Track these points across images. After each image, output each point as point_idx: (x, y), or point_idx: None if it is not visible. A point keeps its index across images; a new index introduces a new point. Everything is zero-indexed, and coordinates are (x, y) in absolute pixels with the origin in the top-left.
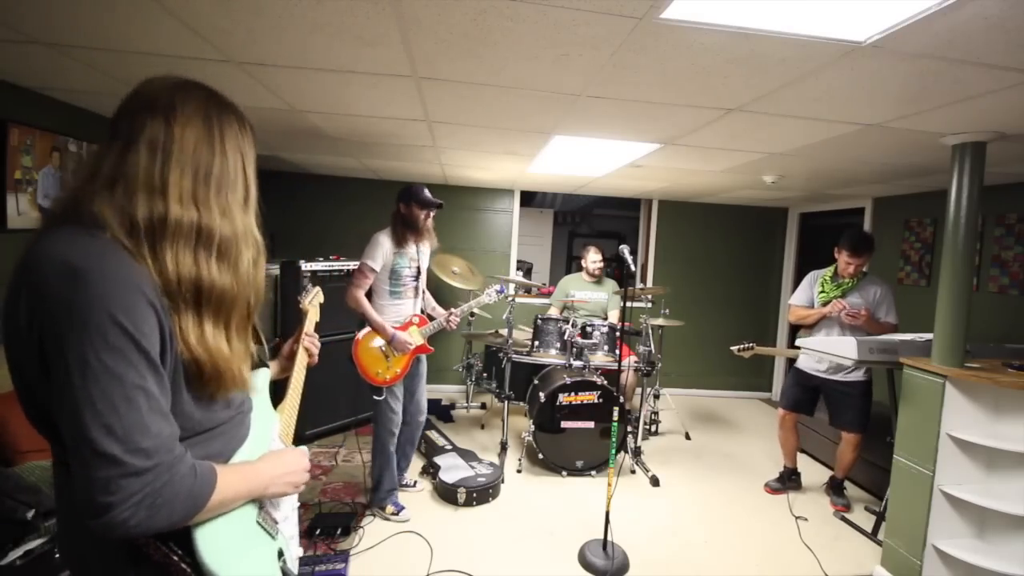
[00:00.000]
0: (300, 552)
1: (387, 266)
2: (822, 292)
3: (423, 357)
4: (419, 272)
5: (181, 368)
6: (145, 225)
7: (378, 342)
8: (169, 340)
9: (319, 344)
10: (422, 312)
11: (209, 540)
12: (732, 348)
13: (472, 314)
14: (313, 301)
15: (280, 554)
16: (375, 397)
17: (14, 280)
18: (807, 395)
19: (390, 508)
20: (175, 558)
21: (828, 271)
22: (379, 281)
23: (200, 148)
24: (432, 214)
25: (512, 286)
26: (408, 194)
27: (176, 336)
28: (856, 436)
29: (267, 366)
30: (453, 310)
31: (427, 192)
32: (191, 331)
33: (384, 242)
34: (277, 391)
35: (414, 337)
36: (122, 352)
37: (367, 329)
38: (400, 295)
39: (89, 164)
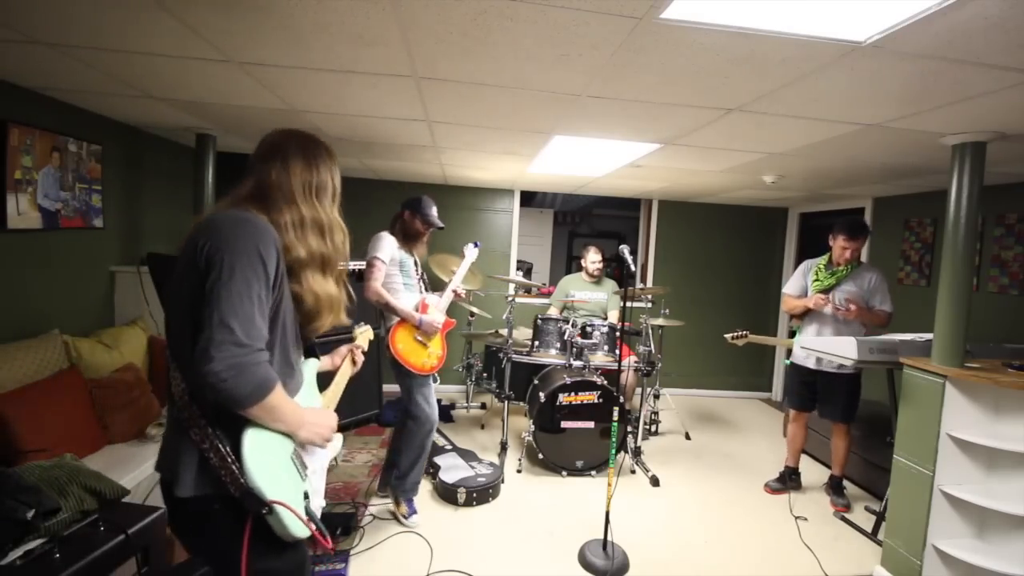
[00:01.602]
0: (323, 504)
1: (395, 260)
2: (816, 280)
3: None
4: (419, 269)
5: (290, 298)
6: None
7: (408, 332)
8: (281, 277)
9: (363, 358)
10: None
11: (252, 447)
12: (726, 336)
13: (472, 313)
14: (365, 331)
15: (306, 495)
16: (426, 390)
17: (193, 231)
18: (808, 390)
19: (404, 508)
20: (229, 460)
21: (822, 260)
22: (391, 277)
23: (304, 172)
24: (430, 231)
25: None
26: (416, 206)
27: (301, 282)
28: (843, 426)
29: (318, 357)
30: (452, 282)
31: (434, 211)
32: (312, 279)
33: (387, 237)
34: (323, 382)
35: (437, 316)
36: (255, 270)
37: (392, 324)
38: (412, 287)
39: (234, 191)
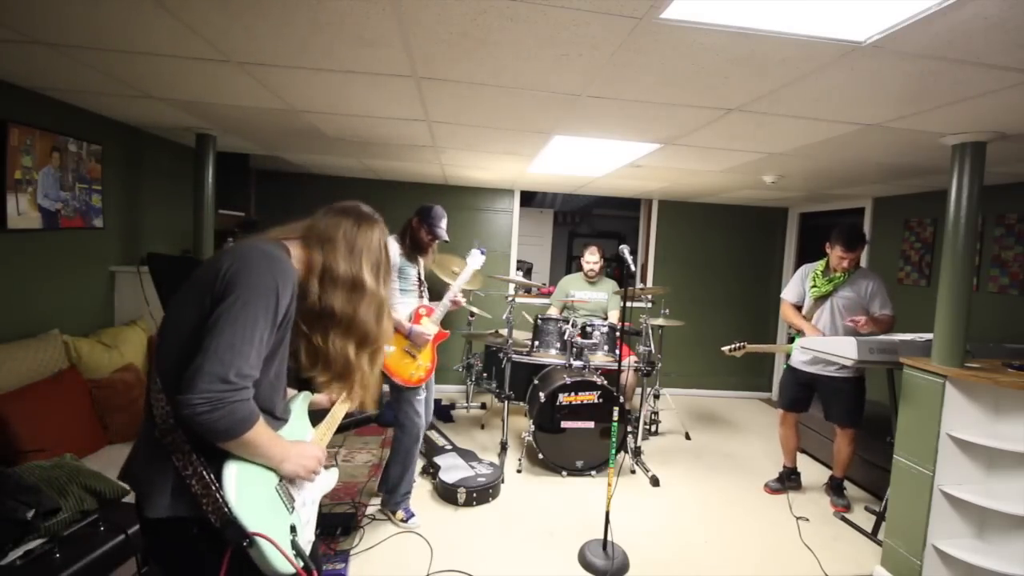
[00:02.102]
0: (313, 538)
1: (395, 265)
2: (814, 287)
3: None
4: (421, 278)
5: (287, 342)
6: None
7: (397, 344)
8: (289, 318)
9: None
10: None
11: (235, 477)
12: (723, 349)
13: (472, 313)
14: None
15: (293, 529)
16: (416, 399)
17: (220, 254)
18: (803, 392)
19: (401, 514)
20: (213, 487)
21: (819, 265)
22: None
23: (359, 240)
24: (436, 242)
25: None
26: (425, 215)
27: (320, 337)
28: (850, 431)
29: (312, 390)
30: (451, 290)
31: (443, 224)
32: (335, 339)
33: (393, 245)
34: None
35: (429, 327)
36: (267, 309)
37: None
38: (410, 295)
39: (282, 228)
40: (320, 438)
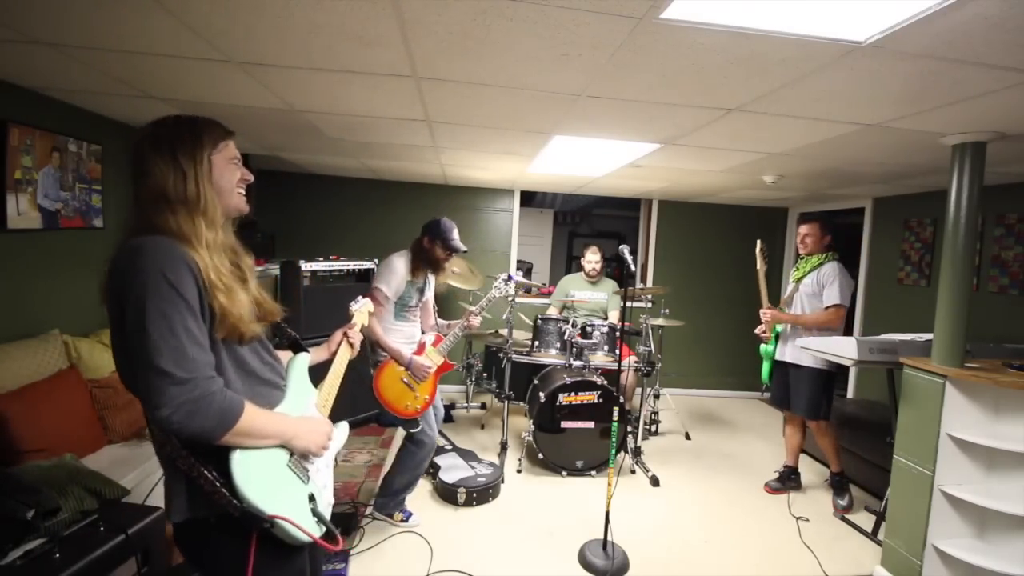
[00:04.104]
0: (332, 500)
1: (397, 292)
2: (796, 271)
3: None
4: (422, 296)
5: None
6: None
7: (394, 374)
8: (205, 293)
9: (361, 337)
10: (435, 326)
11: (242, 467)
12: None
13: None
14: (362, 309)
15: (312, 498)
16: (411, 431)
17: (108, 274)
18: (785, 387)
19: (399, 515)
20: (218, 484)
21: (800, 260)
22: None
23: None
24: (450, 258)
25: (519, 275)
26: (436, 232)
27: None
28: (815, 423)
29: (306, 351)
30: (472, 309)
31: (456, 235)
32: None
33: (400, 269)
34: (321, 373)
35: (432, 359)
36: (167, 300)
37: (381, 360)
38: (405, 317)
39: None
40: (325, 398)
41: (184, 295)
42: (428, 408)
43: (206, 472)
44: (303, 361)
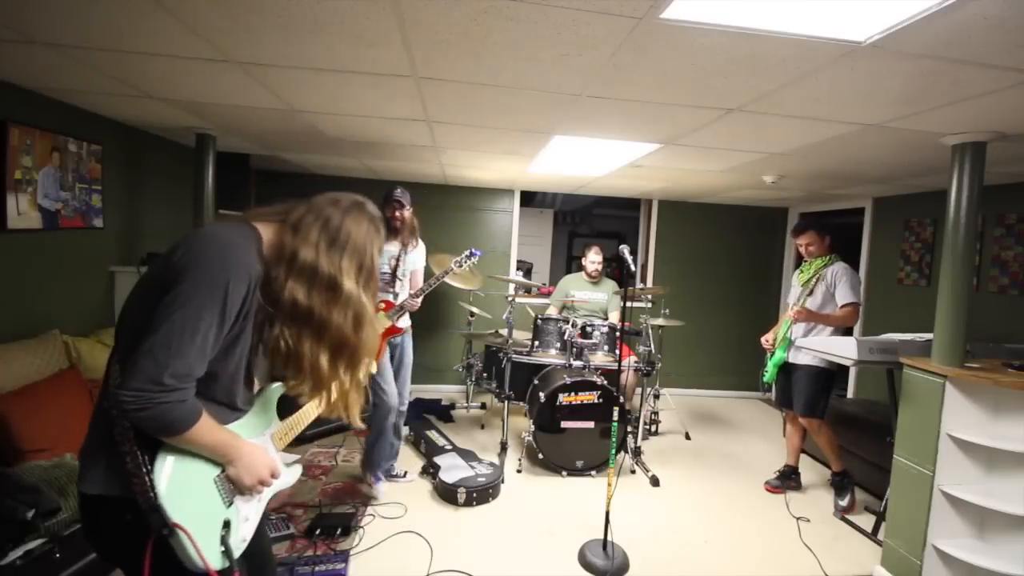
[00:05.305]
0: (248, 537)
1: None
2: (801, 274)
3: (407, 346)
4: (396, 273)
5: (252, 341)
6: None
7: None
8: (248, 312)
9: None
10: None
11: (168, 460)
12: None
13: (472, 314)
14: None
15: (227, 525)
16: (378, 377)
17: (179, 240)
18: (786, 386)
19: (370, 478)
20: (143, 469)
21: (803, 263)
22: None
23: (342, 233)
24: (402, 212)
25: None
26: (385, 197)
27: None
28: (809, 421)
29: (282, 382)
30: (428, 282)
31: (396, 191)
32: (304, 341)
33: None
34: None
35: (381, 322)
36: (214, 304)
37: None
38: (383, 288)
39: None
40: (285, 432)
41: (228, 305)
42: (378, 366)
43: (138, 451)
44: (276, 391)
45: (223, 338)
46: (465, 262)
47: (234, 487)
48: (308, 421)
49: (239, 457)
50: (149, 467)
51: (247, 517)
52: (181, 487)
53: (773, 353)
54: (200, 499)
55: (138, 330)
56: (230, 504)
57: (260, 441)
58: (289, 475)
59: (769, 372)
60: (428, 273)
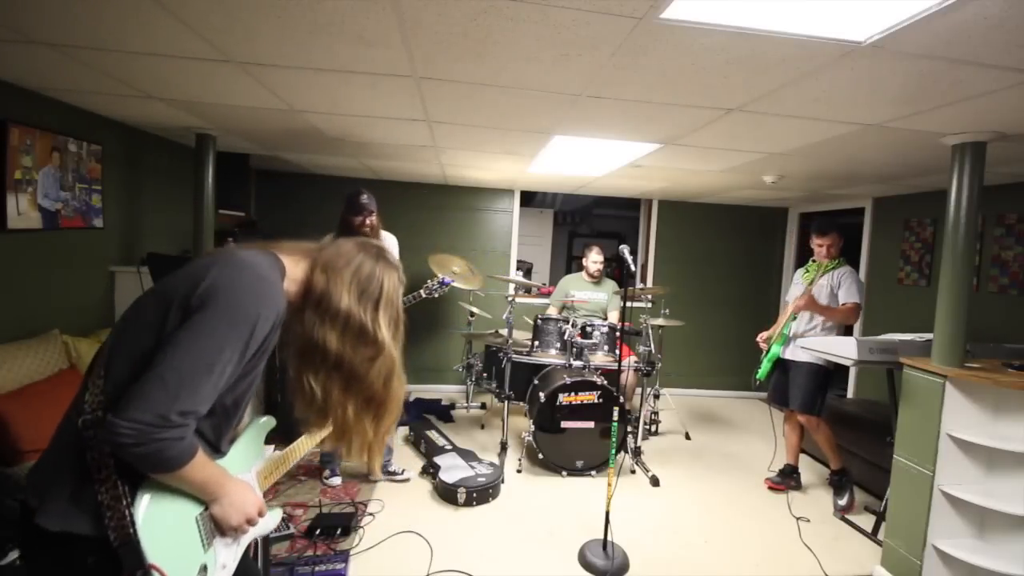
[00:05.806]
0: None
1: None
2: (806, 273)
3: None
4: None
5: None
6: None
7: None
8: (264, 351)
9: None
10: None
11: (149, 495)
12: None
13: (472, 314)
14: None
15: (204, 570)
16: None
17: (210, 262)
18: (783, 384)
19: (327, 472)
20: (124, 501)
21: (809, 263)
22: None
23: (374, 282)
24: (368, 220)
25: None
26: (346, 204)
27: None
28: (806, 418)
29: (273, 416)
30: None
31: (362, 198)
32: (329, 385)
33: None
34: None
35: None
36: (237, 339)
37: None
38: None
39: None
40: (271, 470)
41: (252, 340)
42: None
43: (117, 480)
44: (266, 425)
45: (239, 372)
46: (436, 290)
47: (217, 527)
48: (297, 459)
49: (225, 495)
50: (130, 499)
51: (224, 565)
52: (160, 525)
53: (768, 349)
54: (179, 539)
55: (144, 350)
56: (208, 547)
57: (247, 478)
58: (270, 520)
59: (763, 368)
60: (423, 273)
